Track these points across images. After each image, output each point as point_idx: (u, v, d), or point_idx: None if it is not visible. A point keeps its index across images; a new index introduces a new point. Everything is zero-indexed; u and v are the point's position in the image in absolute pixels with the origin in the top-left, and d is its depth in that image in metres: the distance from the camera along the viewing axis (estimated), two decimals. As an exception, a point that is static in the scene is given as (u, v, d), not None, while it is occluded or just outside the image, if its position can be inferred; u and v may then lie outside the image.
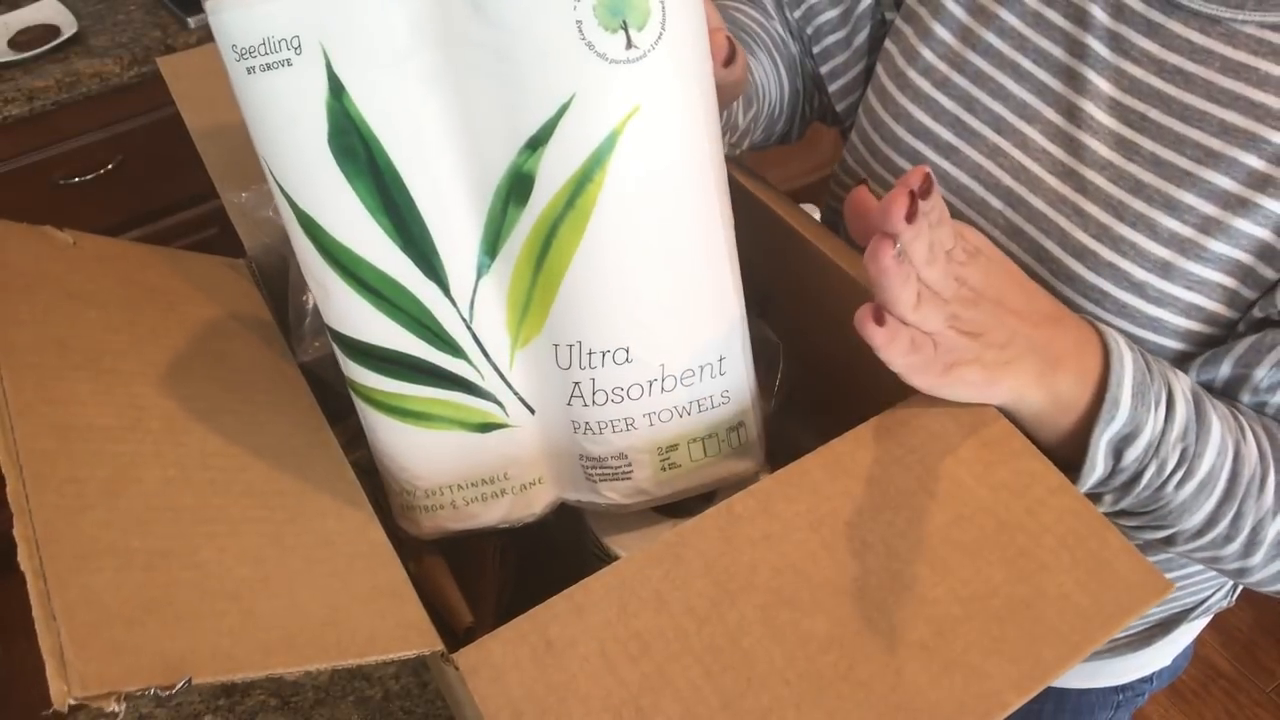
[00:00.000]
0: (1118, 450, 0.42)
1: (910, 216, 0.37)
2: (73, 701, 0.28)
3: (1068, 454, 0.43)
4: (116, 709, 0.29)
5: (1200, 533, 0.45)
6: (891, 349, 0.39)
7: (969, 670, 0.35)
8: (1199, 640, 1.57)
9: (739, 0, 0.67)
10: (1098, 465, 0.42)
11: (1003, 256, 0.45)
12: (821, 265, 0.51)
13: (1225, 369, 0.47)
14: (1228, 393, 0.48)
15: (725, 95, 0.48)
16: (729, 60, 0.44)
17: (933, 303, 0.40)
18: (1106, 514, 0.44)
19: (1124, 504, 0.45)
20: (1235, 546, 0.45)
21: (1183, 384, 0.44)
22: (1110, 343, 0.43)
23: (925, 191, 0.38)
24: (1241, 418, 0.46)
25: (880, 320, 0.39)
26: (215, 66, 0.41)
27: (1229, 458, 0.43)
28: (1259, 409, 0.47)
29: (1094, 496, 0.45)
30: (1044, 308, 0.44)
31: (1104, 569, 0.37)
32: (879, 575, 0.37)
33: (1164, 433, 0.42)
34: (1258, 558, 0.45)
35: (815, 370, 0.55)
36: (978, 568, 0.37)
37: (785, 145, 0.73)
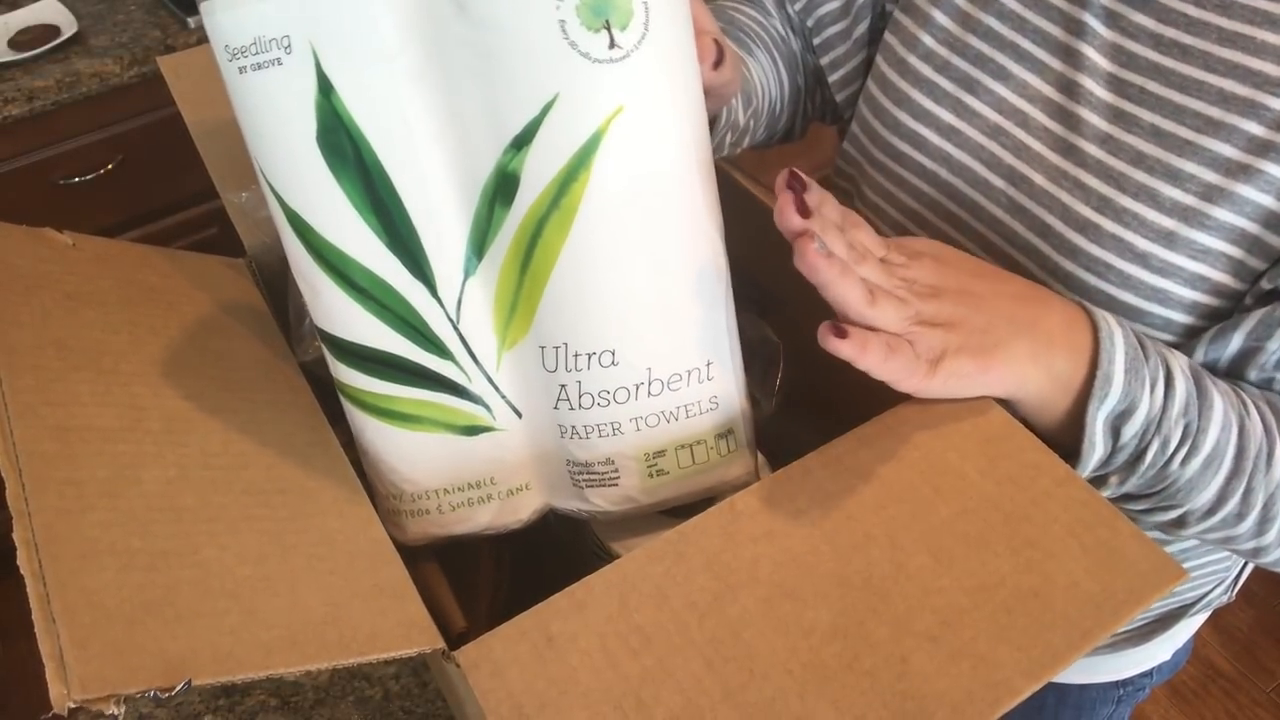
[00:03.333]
0: (1115, 428, 0.42)
1: (802, 210, 0.38)
2: (72, 704, 0.28)
3: (1068, 438, 0.43)
4: (116, 711, 0.29)
5: (1211, 511, 0.45)
6: (867, 356, 0.39)
7: (977, 659, 0.34)
8: (1199, 640, 1.58)
9: (738, 0, 0.67)
10: (1096, 444, 0.42)
11: (956, 252, 0.45)
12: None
13: (1235, 343, 0.47)
14: (1234, 369, 0.48)
15: (715, 98, 0.48)
16: (717, 63, 0.44)
17: (888, 298, 0.40)
18: (1113, 498, 0.44)
19: (1130, 485, 0.44)
20: (1248, 524, 0.45)
21: (1181, 362, 0.44)
22: (1099, 320, 0.43)
23: (799, 185, 0.39)
24: (1244, 393, 0.46)
25: (842, 334, 0.38)
26: (216, 66, 0.41)
27: (1234, 432, 0.43)
28: (1265, 385, 0.47)
29: (1100, 480, 0.45)
30: (1018, 289, 0.44)
31: (1114, 557, 0.37)
32: (883, 567, 0.37)
33: (1164, 409, 0.42)
34: (1271, 535, 0.45)
35: (815, 370, 0.55)
36: (984, 559, 0.37)
37: (788, 144, 0.73)
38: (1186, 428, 0.42)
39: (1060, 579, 0.36)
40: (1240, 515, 0.45)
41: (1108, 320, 0.43)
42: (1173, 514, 0.46)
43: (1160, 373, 0.43)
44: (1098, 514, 0.38)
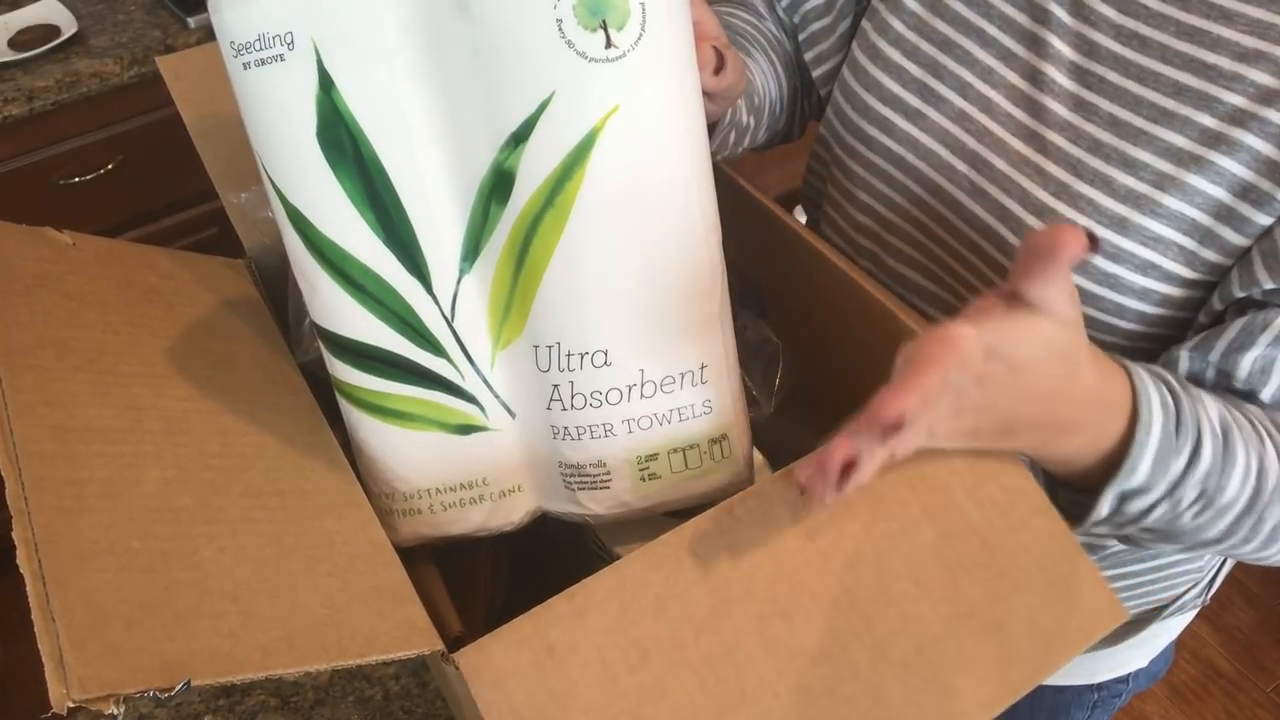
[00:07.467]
0: (1123, 497, 0.42)
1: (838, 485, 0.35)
2: (72, 704, 0.28)
3: (1075, 494, 0.43)
4: (116, 711, 0.29)
5: (1217, 541, 0.45)
6: (865, 474, 0.35)
7: (942, 688, 0.35)
8: (1199, 640, 1.58)
9: (731, 5, 0.68)
10: (1103, 512, 0.42)
11: (1036, 363, 0.37)
12: (821, 265, 0.51)
13: (1217, 353, 0.47)
14: (1220, 381, 0.47)
15: (719, 103, 0.48)
16: (718, 69, 0.44)
17: (914, 441, 0.37)
18: (1113, 536, 0.45)
19: (1126, 533, 0.45)
20: (1253, 545, 0.45)
21: (1213, 422, 0.42)
22: (1141, 409, 0.40)
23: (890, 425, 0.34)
24: (1259, 427, 0.44)
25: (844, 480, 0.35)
26: (215, 66, 0.41)
27: (1253, 479, 0.42)
28: (1249, 394, 0.47)
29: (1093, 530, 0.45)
30: (1062, 417, 0.39)
31: (1069, 595, 0.38)
32: (870, 590, 0.38)
33: (1181, 478, 0.41)
34: (1275, 547, 0.46)
35: (815, 370, 0.55)
36: (960, 585, 0.38)
37: (787, 144, 0.73)
38: (1203, 491, 0.42)
39: (1022, 613, 0.37)
40: (1246, 540, 0.45)
41: (1150, 406, 0.40)
42: (1173, 544, 0.46)
43: (1188, 446, 0.41)
44: (1063, 549, 0.39)
